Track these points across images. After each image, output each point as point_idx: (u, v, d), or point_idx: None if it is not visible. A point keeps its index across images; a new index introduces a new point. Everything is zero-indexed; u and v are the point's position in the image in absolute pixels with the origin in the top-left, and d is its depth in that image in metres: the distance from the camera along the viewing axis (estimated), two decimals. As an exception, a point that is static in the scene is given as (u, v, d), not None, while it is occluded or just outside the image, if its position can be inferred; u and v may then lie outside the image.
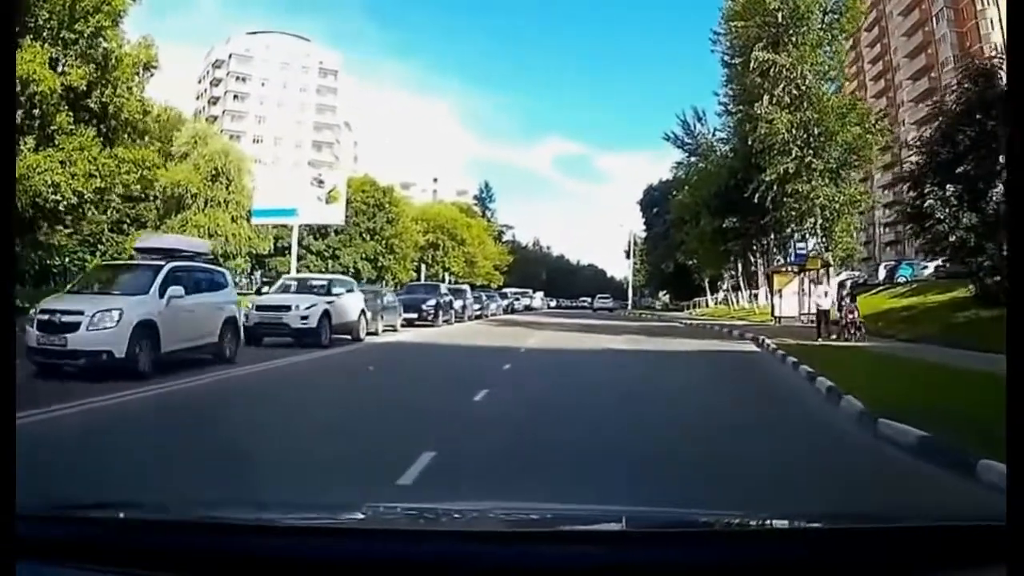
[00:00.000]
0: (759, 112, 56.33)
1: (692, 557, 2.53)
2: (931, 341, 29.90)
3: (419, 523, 3.40)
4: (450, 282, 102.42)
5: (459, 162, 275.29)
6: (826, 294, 37.35)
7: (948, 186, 32.77)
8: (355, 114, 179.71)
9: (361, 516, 3.56)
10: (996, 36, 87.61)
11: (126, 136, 39.68)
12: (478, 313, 68.88)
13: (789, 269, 55.53)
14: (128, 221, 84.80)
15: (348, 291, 35.07)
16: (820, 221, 55.80)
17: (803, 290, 51.97)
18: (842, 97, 60.72)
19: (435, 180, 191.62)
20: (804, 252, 52.95)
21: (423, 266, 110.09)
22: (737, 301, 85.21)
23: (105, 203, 78.51)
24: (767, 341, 33.87)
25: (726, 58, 65.66)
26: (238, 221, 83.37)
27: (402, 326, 45.15)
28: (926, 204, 33.34)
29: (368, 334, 36.16)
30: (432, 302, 51.78)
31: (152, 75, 40.91)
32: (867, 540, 2.67)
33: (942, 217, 32.67)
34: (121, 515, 3.16)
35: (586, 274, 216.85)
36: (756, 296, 77.94)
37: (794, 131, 55.54)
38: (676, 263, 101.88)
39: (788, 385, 21.29)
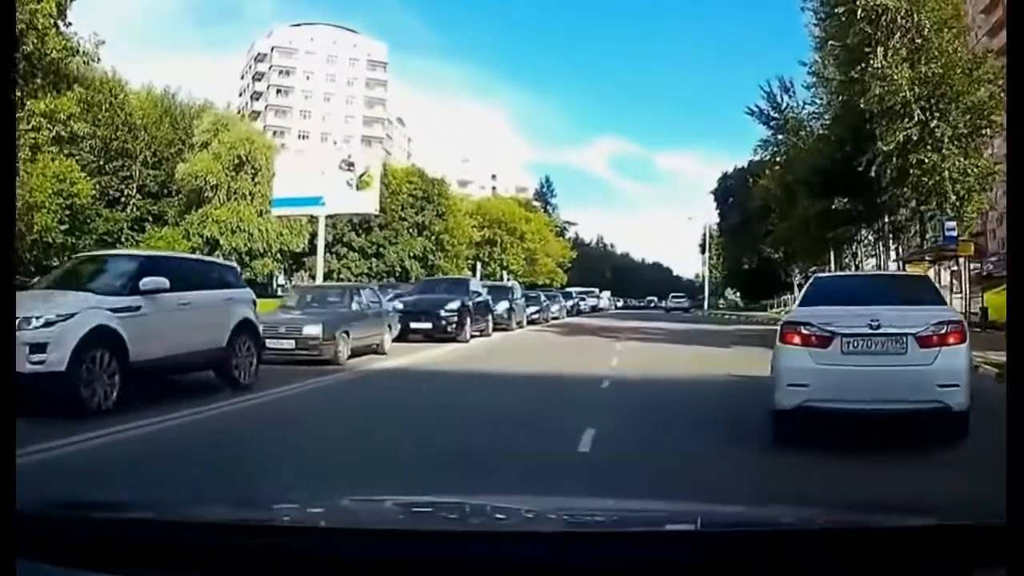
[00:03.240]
0: (872, 68, 46.53)
1: (688, 556, 2.47)
2: None
3: (420, 522, 3.25)
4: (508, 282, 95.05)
5: (515, 164, 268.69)
6: None
7: None
8: (407, 111, 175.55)
9: (364, 516, 3.49)
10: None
11: (41, 81, 28.99)
12: (534, 317, 54.72)
13: (924, 258, 44.58)
14: (150, 219, 79.98)
15: (199, 284, 17.54)
16: (952, 199, 45.82)
17: (940, 284, 41.35)
18: (968, 50, 50.10)
19: (494, 177, 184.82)
20: (954, 234, 42.00)
21: (478, 264, 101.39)
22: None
23: (124, 200, 76.21)
24: None
25: (823, 13, 55.10)
26: (265, 215, 74.68)
27: (414, 340, 31.89)
28: None
29: (319, 362, 22.81)
30: (454, 306, 35.34)
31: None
32: (865, 540, 2.58)
33: None
34: (122, 515, 3.09)
35: (652, 273, 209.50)
36: None
37: (916, 89, 45.72)
38: (760, 257, 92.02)
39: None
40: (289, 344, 22.92)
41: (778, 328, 12.60)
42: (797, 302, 15.37)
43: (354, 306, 27.38)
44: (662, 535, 2.90)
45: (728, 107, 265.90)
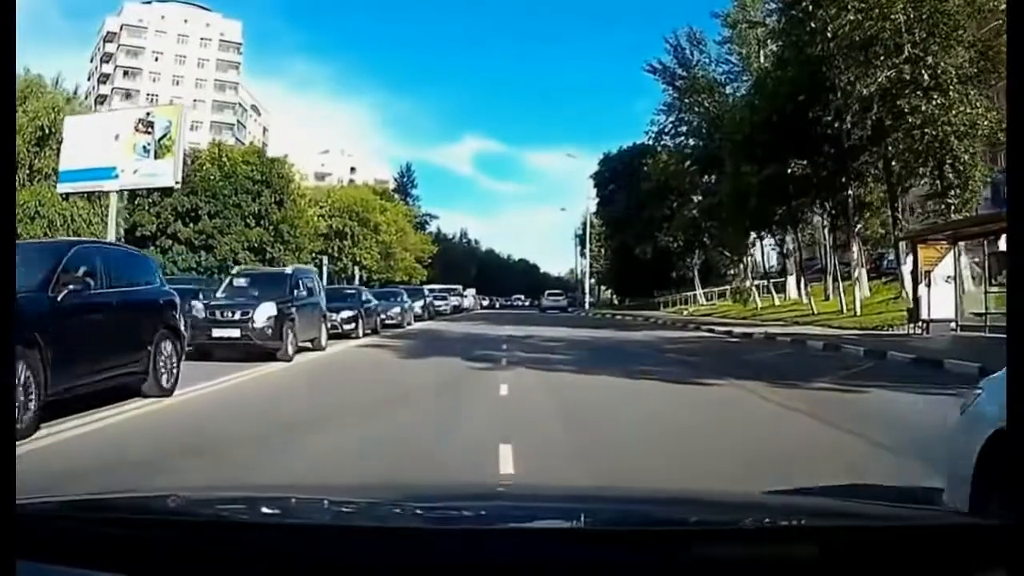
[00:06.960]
0: None
1: (683, 555, 2.42)
2: None
3: (416, 522, 3.15)
4: (360, 279, 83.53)
5: (376, 159, 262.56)
6: None
7: None
8: (263, 102, 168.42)
9: (365, 514, 3.34)
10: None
11: None
12: (351, 327, 37.20)
13: (938, 238, 32.10)
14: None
15: None
16: (964, 157, 34.93)
17: (958, 273, 29.71)
18: None
19: (352, 170, 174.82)
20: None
21: (325, 259, 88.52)
22: (765, 292, 63.24)
23: None
24: None
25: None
26: (72, 199, 62.17)
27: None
28: None
29: None
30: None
31: None
32: (864, 540, 2.60)
33: None
34: (122, 514, 3.04)
35: (520, 270, 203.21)
36: (804, 285, 55.74)
37: (911, 12, 34.93)
38: (656, 246, 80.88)
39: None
40: None
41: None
42: None
43: None
44: (655, 535, 2.70)
45: (601, 105, 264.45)
